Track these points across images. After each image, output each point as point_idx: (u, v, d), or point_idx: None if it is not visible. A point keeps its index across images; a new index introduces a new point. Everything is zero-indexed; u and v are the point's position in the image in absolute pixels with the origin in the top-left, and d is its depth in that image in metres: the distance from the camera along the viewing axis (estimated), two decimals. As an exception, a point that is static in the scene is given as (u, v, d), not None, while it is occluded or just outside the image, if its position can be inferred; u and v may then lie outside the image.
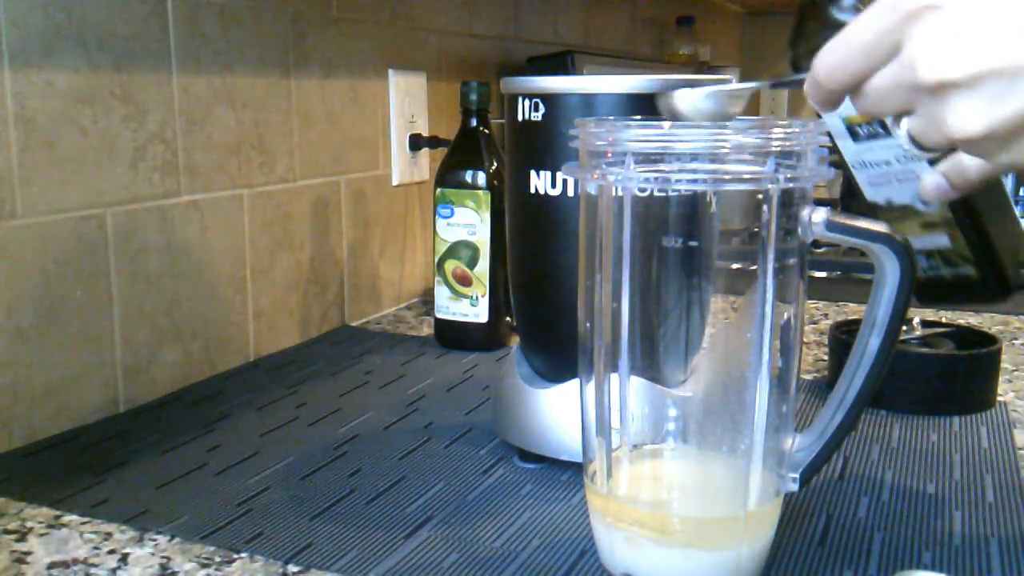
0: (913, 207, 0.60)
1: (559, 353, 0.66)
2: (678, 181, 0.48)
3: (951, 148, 0.44)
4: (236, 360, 0.92)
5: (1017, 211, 0.61)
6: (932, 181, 0.51)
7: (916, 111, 0.43)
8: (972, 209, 0.58)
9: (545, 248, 0.66)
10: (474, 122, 0.97)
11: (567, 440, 0.64)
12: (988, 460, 0.68)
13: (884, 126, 0.57)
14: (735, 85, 0.51)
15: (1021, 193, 1.56)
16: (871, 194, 0.62)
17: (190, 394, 0.83)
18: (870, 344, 0.51)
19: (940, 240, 0.60)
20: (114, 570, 0.53)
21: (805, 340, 0.99)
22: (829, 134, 0.60)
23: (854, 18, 0.43)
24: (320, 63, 1.02)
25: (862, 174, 0.60)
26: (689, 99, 0.51)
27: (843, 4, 0.56)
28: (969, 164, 0.49)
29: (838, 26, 0.46)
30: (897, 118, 0.45)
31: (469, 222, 0.96)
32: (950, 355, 0.80)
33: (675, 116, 0.52)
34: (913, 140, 0.45)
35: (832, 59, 0.44)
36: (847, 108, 0.49)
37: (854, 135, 0.59)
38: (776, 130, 0.47)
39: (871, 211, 0.62)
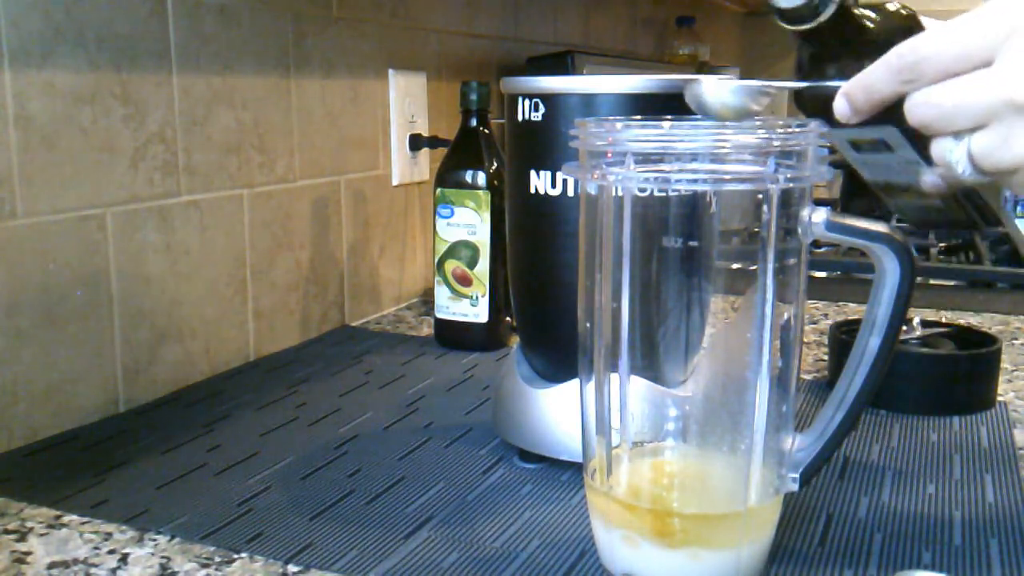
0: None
1: (559, 353, 0.66)
2: (678, 181, 0.48)
3: (1002, 172, 0.43)
4: (236, 360, 0.92)
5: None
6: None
7: (990, 127, 0.42)
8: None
9: (545, 248, 0.66)
10: (474, 122, 0.97)
11: (567, 440, 0.64)
12: (988, 460, 0.68)
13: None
14: (772, 83, 0.51)
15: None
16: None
17: (190, 394, 0.83)
18: (870, 344, 0.51)
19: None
20: (114, 570, 0.53)
21: (805, 340, 0.99)
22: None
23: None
24: (320, 63, 1.02)
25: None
26: (716, 91, 0.51)
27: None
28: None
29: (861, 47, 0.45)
30: (959, 135, 0.44)
31: (469, 222, 0.96)
32: (950, 355, 0.80)
33: (700, 107, 0.51)
34: (971, 159, 0.43)
35: (919, 52, 0.43)
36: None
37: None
38: (776, 130, 0.47)
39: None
